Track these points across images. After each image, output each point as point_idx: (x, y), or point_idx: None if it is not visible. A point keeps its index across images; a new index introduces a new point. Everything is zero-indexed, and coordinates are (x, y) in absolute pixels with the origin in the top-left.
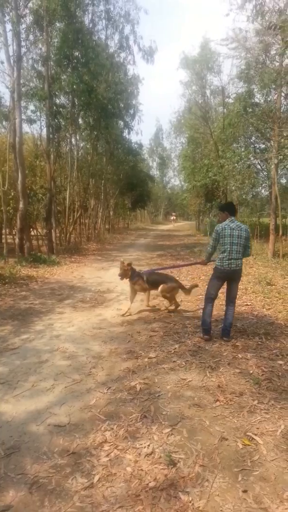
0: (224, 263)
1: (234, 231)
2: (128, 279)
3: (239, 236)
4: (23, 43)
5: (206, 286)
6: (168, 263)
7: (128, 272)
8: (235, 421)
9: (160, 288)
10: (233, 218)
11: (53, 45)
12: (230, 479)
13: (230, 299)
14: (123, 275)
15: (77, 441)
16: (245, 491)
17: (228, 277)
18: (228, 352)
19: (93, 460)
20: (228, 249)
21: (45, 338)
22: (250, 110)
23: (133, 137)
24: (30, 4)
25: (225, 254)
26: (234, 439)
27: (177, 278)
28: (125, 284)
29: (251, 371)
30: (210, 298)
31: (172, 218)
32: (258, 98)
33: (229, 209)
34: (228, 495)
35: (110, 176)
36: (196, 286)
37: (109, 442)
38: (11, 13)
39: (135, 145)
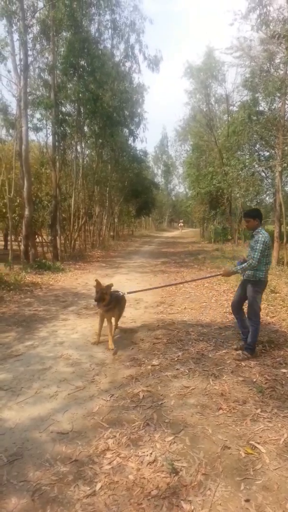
0: (267, 275)
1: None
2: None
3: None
4: (30, 53)
5: (251, 304)
6: (172, 271)
7: (107, 297)
8: (238, 430)
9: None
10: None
11: (59, 54)
12: (232, 488)
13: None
14: (100, 300)
15: (80, 449)
16: (247, 501)
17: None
18: (231, 360)
19: (95, 468)
20: (270, 260)
21: (49, 345)
22: (255, 118)
23: (138, 145)
24: (37, 14)
25: (268, 266)
26: (236, 447)
27: (181, 286)
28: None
29: (254, 379)
30: (258, 315)
31: (180, 224)
32: (263, 106)
33: (260, 217)
34: (230, 504)
35: (115, 183)
36: None
37: (112, 449)
38: (18, 23)
39: (140, 153)
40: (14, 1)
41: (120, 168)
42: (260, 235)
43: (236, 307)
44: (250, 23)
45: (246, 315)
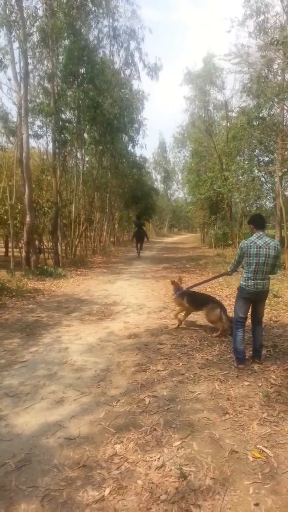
0: (249, 284)
1: (261, 249)
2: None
3: (267, 255)
4: (30, 61)
5: (233, 308)
6: (174, 276)
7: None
8: (245, 434)
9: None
10: (261, 233)
11: (59, 62)
12: (241, 492)
13: (257, 319)
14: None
15: (87, 454)
16: (257, 505)
17: (254, 298)
18: None
19: (103, 473)
20: (253, 269)
21: (53, 351)
22: (256, 123)
23: (138, 151)
24: (37, 23)
25: (250, 274)
26: (244, 451)
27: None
28: (132, 297)
29: (259, 384)
30: (239, 322)
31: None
32: (263, 112)
33: (255, 222)
34: (240, 509)
35: (115, 189)
36: None
37: (119, 455)
38: (18, 32)
39: (140, 159)
40: (14, 10)
41: (120, 174)
42: (242, 242)
43: None
44: (248, 30)
45: None
